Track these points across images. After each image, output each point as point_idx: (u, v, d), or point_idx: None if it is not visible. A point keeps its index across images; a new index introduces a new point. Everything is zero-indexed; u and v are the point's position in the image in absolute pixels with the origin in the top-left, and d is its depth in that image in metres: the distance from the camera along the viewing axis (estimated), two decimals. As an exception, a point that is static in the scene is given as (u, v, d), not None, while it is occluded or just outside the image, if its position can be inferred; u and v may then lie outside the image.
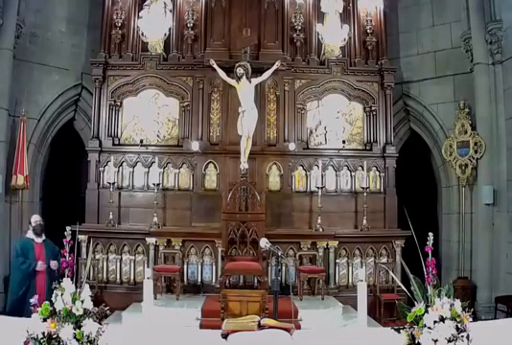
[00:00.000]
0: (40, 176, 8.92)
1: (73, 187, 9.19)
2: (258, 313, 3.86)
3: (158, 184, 8.08)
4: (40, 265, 5.99)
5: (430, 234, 2.62)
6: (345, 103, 8.79)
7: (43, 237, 6.27)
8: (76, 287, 2.30)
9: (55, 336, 2.14)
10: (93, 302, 2.34)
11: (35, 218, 6.34)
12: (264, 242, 3.84)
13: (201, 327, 5.88)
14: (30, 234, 6.27)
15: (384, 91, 8.68)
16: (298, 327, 5.47)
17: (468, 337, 2.28)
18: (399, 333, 2.43)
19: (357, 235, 8.10)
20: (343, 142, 8.56)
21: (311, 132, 8.73)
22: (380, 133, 8.66)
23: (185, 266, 7.61)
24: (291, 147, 8.35)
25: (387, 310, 7.14)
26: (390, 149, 8.61)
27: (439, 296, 2.37)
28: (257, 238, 6.88)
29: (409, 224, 2.99)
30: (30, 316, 2.28)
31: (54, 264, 6.00)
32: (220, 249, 7.46)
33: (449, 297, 2.37)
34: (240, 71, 7.65)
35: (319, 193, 8.05)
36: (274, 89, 8.51)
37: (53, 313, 2.19)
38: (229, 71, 7.88)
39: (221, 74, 7.86)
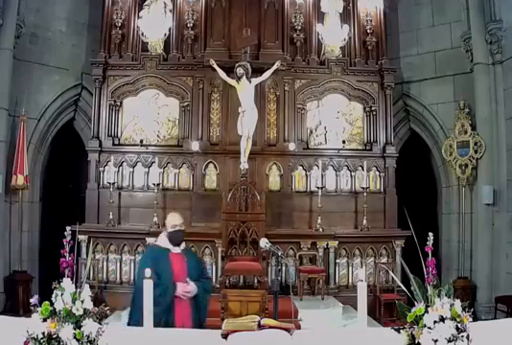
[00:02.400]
0: (40, 176, 8.91)
1: (73, 187, 9.19)
2: (258, 313, 3.85)
3: (158, 184, 8.08)
4: (181, 289, 3.86)
5: (430, 234, 2.62)
6: (345, 103, 8.79)
7: (182, 246, 4.18)
8: (76, 287, 2.29)
9: (55, 336, 2.13)
10: (93, 302, 2.34)
11: (174, 222, 4.19)
12: (264, 242, 3.83)
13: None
14: (163, 241, 4.17)
15: (384, 91, 8.69)
16: (298, 327, 5.45)
17: (468, 337, 2.27)
18: (399, 333, 2.42)
19: (357, 235, 8.11)
20: (343, 142, 8.56)
21: (311, 132, 8.73)
22: (380, 133, 8.67)
23: (185, 266, 7.60)
24: (291, 147, 8.35)
25: (387, 310, 7.14)
26: (390, 149, 8.62)
27: (439, 296, 2.37)
28: (257, 238, 6.88)
29: (409, 224, 2.98)
30: None
31: (189, 288, 3.88)
32: (220, 249, 7.46)
33: (449, 297, 2.37)
34: (240, 71, 7.66)
35: (319, 193, 8.05)
36: (274, 89, 8.51)
37: (53, 313, 2.19)
38: (229, 71, 7.89)
39: (221, 74, 7.86)
